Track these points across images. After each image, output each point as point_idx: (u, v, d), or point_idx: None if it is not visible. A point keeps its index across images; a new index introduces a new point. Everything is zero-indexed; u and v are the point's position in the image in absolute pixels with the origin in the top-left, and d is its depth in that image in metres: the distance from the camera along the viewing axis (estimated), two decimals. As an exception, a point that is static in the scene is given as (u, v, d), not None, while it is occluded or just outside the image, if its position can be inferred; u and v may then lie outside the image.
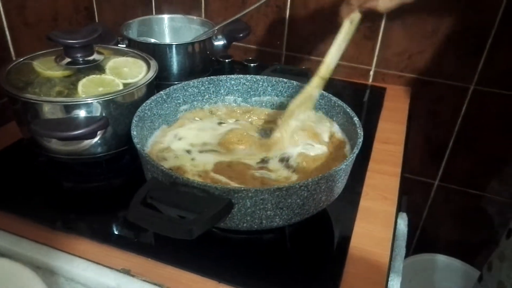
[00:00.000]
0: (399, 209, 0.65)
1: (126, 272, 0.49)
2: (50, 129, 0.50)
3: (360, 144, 0.52)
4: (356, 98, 0.94)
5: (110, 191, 0.63)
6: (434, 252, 1.17)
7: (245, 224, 0.47)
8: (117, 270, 0.49)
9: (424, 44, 0.92)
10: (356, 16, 0.62)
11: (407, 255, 1.00)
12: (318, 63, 1.01)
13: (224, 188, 0.43)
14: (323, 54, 1.00)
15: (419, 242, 1.19)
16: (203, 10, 1.05)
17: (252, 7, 0.85)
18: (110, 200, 0.61)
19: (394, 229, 0.60)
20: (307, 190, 0.46)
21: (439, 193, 1.10)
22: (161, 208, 0.43)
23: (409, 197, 1.09)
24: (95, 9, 0.90)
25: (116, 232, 0.55)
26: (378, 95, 0.95)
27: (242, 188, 0.43)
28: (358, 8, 0.62)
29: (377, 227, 0.58)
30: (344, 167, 0.48)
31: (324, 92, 0.65)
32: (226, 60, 0.96)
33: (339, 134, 0.62)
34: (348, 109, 0.60)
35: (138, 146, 0.50)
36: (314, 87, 0.64)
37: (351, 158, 0.49)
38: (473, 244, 1.15)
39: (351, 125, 0.58)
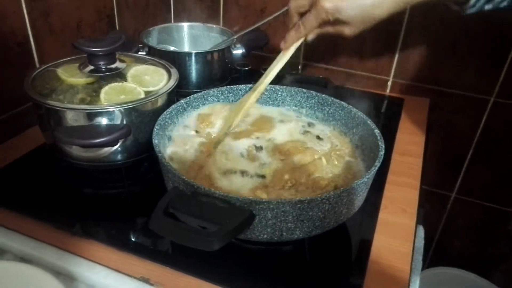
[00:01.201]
0: (417, 222, 0.64)
1: (145, 280, 0.49)
2: (73, 136, 0.51)
3: (382, 157, 0.51)
4: (373, 109, 0.93)
5: (129, 198, 0.64)
6: (450, 265, 1.15)
7: (265, 236, 0.47)
8: (137, 278, 0.49)
9: (444, 55, 0.91)
10: (301, 41, 0.63)
11: (422, 268, 0.99)
12: (335, 72, 1.03)
13: (245, 199, 0.43)
14: (339, 63, 1.02)
15: (435, 255, 1.18)
16: (221, 18, 1.06)
17: (271, 17, 0.85)
18: (129, 207, 0.62)
19: (414, 243, 0.59)
20: (329, 203, 0.45)
21: (456, 206, 1.09)
22: (182, 218, 0.43)
23: (425, 209, 1.08)
24: (116, 17, 0.91)
25: (134, 240, 0.55)
26: (396, 106, 0.94)
27: (264, 200, 0.43)
28: (315, 34, 0.62)
29: (396, 241, 0.58)
30: (366, 180, 0.48)
31: (343, 103, 0.65)
32: (244, 69, 0.96)
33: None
34: (369, 121, 0.60)
35: (159, 155, 0.50)
36: (251, 103, 0.66)
37: (372, 172, 0.49)
38: (490, 259, 1.13)
39: (371, 137, 0.58)
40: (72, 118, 0.55)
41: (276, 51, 1.04)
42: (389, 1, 0.56)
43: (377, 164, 0.50)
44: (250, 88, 0.69)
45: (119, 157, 0.61)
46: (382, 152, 0.52)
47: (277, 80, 0.93)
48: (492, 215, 1.06)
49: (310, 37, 0.63)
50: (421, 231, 0.95)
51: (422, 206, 0.67)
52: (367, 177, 0.48)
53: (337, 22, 0.58)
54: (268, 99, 0.71)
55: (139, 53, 0.78)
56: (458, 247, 1.15)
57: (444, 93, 0.95)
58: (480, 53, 0.89)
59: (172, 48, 0.91)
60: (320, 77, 1.00)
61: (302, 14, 0.61)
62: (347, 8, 0.55)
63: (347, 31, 0.59)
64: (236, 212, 0.42)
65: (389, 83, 0.99)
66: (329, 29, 0.60)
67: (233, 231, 0.40)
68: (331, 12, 0.56)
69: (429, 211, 1.09)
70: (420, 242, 0.95)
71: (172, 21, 1.10)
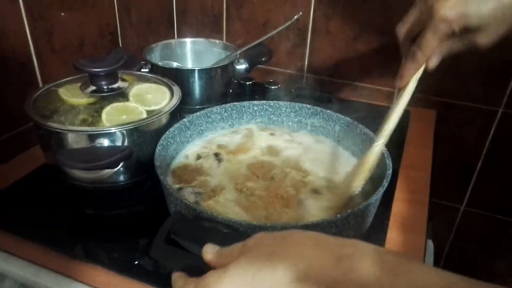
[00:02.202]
0: (427, 240, 0.63)
1: (148, 307, 0.47)
2: (74, 159, 0.50)
3: (390, 176, 0.50)
4: (380, 122, 0.92)
5: (131, 219, 0.63)
6: (461, 279, 1.12)
7: (270, 261, 0.45)
8: (139, 305, 0.48)
9: (450, 66, 0.89)
10: (421, 71, 0.50)
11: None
12: (340, 85, 1.02)
13: (249, 224, 0.42)
14: (344, 76, 1.01)
15: (445, 268, 1.14)
16: (224, 33, 1.06)
17: (275, 31, 0.85)
18: (132, 228, 0.61)
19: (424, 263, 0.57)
20: (336, 226, 0.44)
21: (465, 218, 1.06)
22: (184, 245, 0.42)
23: (434, 222, 1.06)
24: (119, 34, 0.91)
25: (137, 263, 0.54)
26: (402, 118, 0.91)
27: (268, 225, 0.42)
28: (439, 57, 0.48)
29: (406, 261, 0.56)
30: (374, 202, 0.47)
31: (349, 118, 0.64)
32: (248, 83, 0.96)
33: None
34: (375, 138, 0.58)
35: (161, 177, 0.49)
36: (375, 159, 0.53)
37: (380, 192, 0.48)
38: (501, 272, 1.10)
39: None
40: (73, 140, 0.54)
41: (278, 65, 1.05)
42: None
43: (385, 184, 0.49)
44: (256, 104, 0.69)
45: (121, 178, 0.60)
46: (389, 171, 0.51)
47: (280, 94, 0.93)
48: (503, 227, 1.03)
49: (433, 63, 0.49)
50: (430, 246, 0.93)
51: (431, 219, 0.66)
52: (374, 198, 0.46)
53: (465, 32, 0.44)
54: (272, 115, 0.71)
55: (142, 70, 0.78)
56: (468, 260, 1.13)
57: (451, 105, 0.94)
58: (487, 64, 0.87)
59: (175, 65, 0.91)
60: (325, 91, 1.00)
61: (415, 39, 0.48)
62: (477, 9, 0.42)
63: (482, 39, 0.45)
64: (240, 238, 0.41)
65: (395, 95, 0.98)
66: (457, 44, 0.47)
67: (236, 258, 0.39)
68: (455, 21, 0.43)
69: (438, 224, 1.07)
70: (430, 258, 0.92)
71: (176, 37, 1.10)
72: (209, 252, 0.35)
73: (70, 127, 0.54)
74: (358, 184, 0.51)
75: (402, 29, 0.49)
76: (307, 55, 1.01)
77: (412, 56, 0.48)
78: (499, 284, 0.26)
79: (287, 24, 0.82)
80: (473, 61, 0.88)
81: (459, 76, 0.90)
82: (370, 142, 0.59)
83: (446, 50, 0.48)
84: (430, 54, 0.47)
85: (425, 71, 0.51)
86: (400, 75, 0.50)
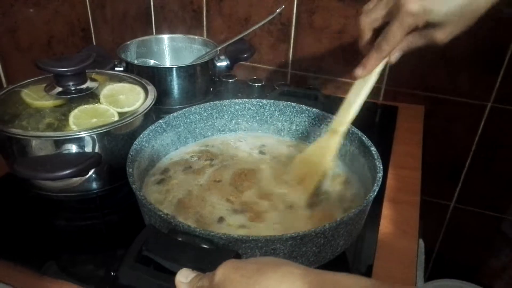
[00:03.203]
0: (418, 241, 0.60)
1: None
2: (36, 169, 0.45)
3: (380, 179, 0.47)
4: (367, 119, 0.88)
5: (105, 230, 0.58)
6: (451, 277, 1.11)
7: (254, 275, 0.41)
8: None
9: (437, 60, 0.88)
10: (383, 64, 0.51)
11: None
12: (325, 81, 0.99)
13: (230, 237, 0.38)
14: (329, 72, 0.98)
15: (435, 267, 1.13)
16: (204, 29, 1.01)
17: (256, 26, 0.81)
18: (106, 239, 0.56)
19: (416, 266, 0.54)
20: (324, 236, 0.40)
21: (456, 216, 1.05)
22: (159, 262, 0.38)
23: (424, 220, 1.04)
24: (92, 30, 0.86)
25: (113, 276, 0.49)
26: (390, 114, 0.90)
27: (251, 238, 0.38)
28: (401, 51, 0.50)
29: (398, 265, 0.53)
30: (364, 208, 0.43)
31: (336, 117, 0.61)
32: (230, 80, 0.91)
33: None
34: (364, 138, 0.55)
35: (133, 186, 0.45)
36: (335, 149, 0.55)
37: (371, 197, 0.44)
38: (493, 269, 1.09)
39: (367, 155, 0.53)
40: (37, 147, 0.50)
41: (261, 62, 1.01)
42: None
43: (376, 188, 0.45)
44: (237, 103, 0.65)
45: (93, 185, 0.56)
46: (380, 174, 0.47)
47: (264, 91, 0.89)
48: (493, 224, 1.02)
49: (395, 56, 0.51)
50: (421, 244, 0.91)
51: (421, 218, 0.63)
52: (365, 204, 0.43)
53: (426, 27, 0.46)
54: (255, 114, 0.67)
55: (116, 69, 0.73)
56: (458, 258, 1.11)
57: (440, 100, 0.91)
58: (475, 58, 0.85)
59: (152, 62, 0.86)
60: (311, 88, 0.96)
61: (377, 31, 0.50)
62: (440, 4, 0.44)
63: (440, 36, 0.47)
64: (220, 253, 0.37)
65: (382, 91, 0.95)
66: (417, 39, 0.49)
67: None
68: (421, 15, 0.45)
69: (428, 221, 1.05)
70: (421, 256, 0.90)
71: (154, 33, 1.05)
72: (182, 281, 0.33)
73: (33, 133, 0.49)
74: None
75: (366, 20, 0.50)
76: (291, 51, 0.97)
77: (377, 47, 0.49)
78: (492, 281, 0.23)
79: (269, 18, 0.78)
80: (461, 55, 0.85)
81: (447, 70, 0.88)
82: (359, 142, 0.56)
83: (407, 45, 0.50)
84: (395, 46, 0.49)
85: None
86: (363, 65, 0.51)
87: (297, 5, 0.91)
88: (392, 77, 0.92)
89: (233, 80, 0.92)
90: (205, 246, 0.38)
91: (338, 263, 0.51)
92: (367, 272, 0.51)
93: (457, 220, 1.05)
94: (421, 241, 0.88)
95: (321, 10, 0.90)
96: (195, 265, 0.36)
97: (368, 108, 0.91)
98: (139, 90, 0.61)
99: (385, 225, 0.60)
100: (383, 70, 0.53)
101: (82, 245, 0.55)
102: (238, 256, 0.38)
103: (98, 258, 0.53)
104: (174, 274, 0.37)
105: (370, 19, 0.50)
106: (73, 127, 0.52)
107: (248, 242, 0.38)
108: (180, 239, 0.39)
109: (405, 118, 0.89)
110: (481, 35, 0.82)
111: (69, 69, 0.54)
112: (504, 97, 0.86)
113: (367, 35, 0.51)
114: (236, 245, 0.38)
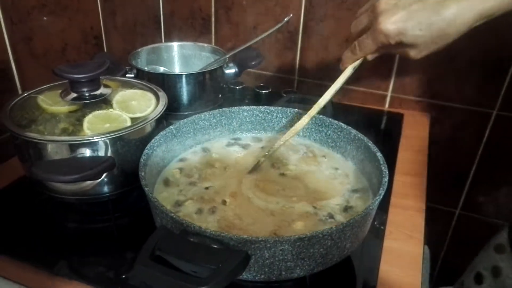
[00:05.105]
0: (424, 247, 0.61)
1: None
2: (52, 172, 0.47)
3: (386, 184, 0.48)
4: (373, 126, 0.90)
5: (116, 233, 0.60)
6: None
7: (262, 276, 0.43)
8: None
9: (443, 68, 0.89)
10: (359, 61, 0.56)
11: None
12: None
13: (239, 238, 0.39)
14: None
15: (441, 274, 1.13)
16: (213, 36, 1.03)
17: (264, 35, 0.83)
18: (117, 242, 0.58)
19: (422, 271, 0.55)
20: (331, 238, 0.41)
21: (461, 223, 1.05)
22: (171, 261, 0.39)
23: (429, 227, 1.04)
24: (104, 38, 0.88)
25: (124, 278, 0.51)
26: (395, 121, 0.91)
27: (260, 239, 0.39)
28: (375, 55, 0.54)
29: (403, 270, 0.54)
30: (370, 211, 0.44)
31: (343, 124, 0.62)
32: (237, 87, 0.93)
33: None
34: (370, 143, 0.56)
35: (146, 189, 0.46)
36: (303, 124, 0.60)
37: (377, 201, 0.45)
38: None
39: (373, 161, 0.54)
40: (53, 151, 0.51)
41: (268, 69, 1.03)
42: (468, 16, 0.45)
43: (382, 192, 0.46)
44: (245, 110, 0.66)
45: (105, 189, 0.57)
46: (386, 179, 0.48)
47: (271, 98, 0.91)
48: (499, 231, 1.02)
49: (371, 57, 0.55)
50: (426, 251, 0.91)
51: (426, 225, 0.64)
52: (371, 207, 0.44)
53: (400, 45, 0.49)
54: (263, 121, 0.68)
55: (127, 76, 0.75)
56: (464, 265, 1.11)
57: (445, 107, 0.92)
58: (480, 66, 0.86)
59: (162, 69, 0.88)
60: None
61: (361, 33, 0.53)
62: (413, 28, 0.46)
63: (413, 53, 0.49)
64: (230, 253, 0.38)
65: (388, 98, 0.96)
66: (391, 50, 0.51)
67: (226, 276, 0.36)
68: (392, 36, 0.48)
69: (433, 229, 1.05)
70: (426, 264, 0.90)
71: (163, 41, 1.07)
72: None
73: (49, 137, 0.51)
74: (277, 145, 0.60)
75: (354, 22, 0.55)
76: (298, 59, 0.98)
77: (352, 49, 0.54)
78: None
79: (277, 26, 0.80)
80: (467, 63, 0.86)
81: (453, 79, 0.89)
82: (364, 148, 0.57)
83: (382, 51, 0.53)
84: (367, 54, 0.53)
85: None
86: (342, 60, 0.57)
87: (304, 13, 0.93)
88: (398, 84, 0.94)
89: (240, 87, 0.93)
90: (215, 247, 0.39)
91: (344, 265, 0.53)
92: (373, 276, 0.52)
93: (462, 227, 1.05)
94: (426, 248, 0.88)
95: (329, 19, 0.92)
96: (206, 264, 0.37)
97: (373, 115, 0.94)
98: (150, 96, 0.63)
99: (391, 230, 0.60)
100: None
101: (93, 247, 0.56)
102: (248, 256, 0.39)
103: (109, 260, 0.54)
104: (185, 273, 0.38)
105: (356, 21, 0.54)
106: (87, 131, 0.54)
107: (257, 243, 0.39)
108: (191, 239, 0.40)
109: (410, 125, 0.90)
110: (486, 43, 0.83)
111: (84, 75, 0.55)
112: (510, 105, 0.87)
113: (352, 34, 0.56)
114: (245, 245, 0.39)
